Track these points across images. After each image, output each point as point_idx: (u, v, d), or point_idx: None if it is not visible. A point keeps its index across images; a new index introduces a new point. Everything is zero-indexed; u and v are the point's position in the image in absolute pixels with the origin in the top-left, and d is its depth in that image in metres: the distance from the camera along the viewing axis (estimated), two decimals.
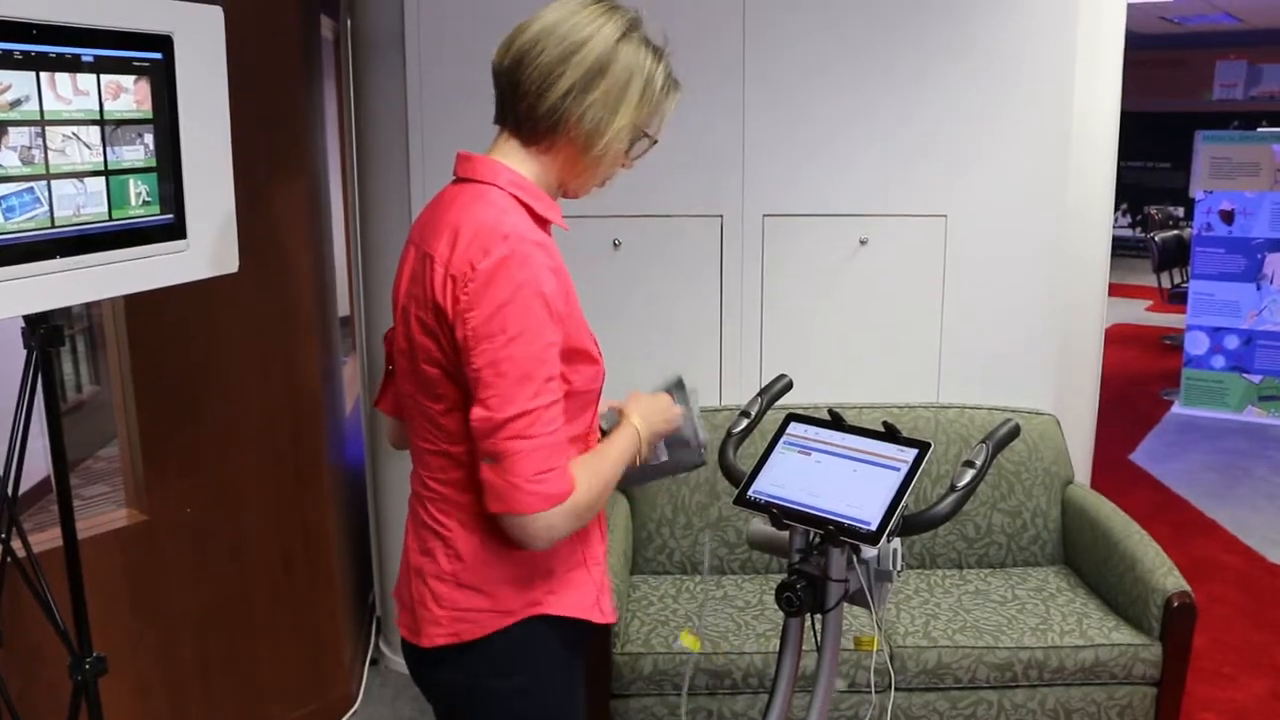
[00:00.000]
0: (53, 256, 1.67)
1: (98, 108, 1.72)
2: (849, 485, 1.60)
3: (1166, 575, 2.52)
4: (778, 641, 1.86)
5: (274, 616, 2.74)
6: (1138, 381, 6.94)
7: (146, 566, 2.43)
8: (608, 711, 2.48)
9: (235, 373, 2.58)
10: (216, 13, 1.94)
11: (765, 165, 2.96)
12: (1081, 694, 2.51)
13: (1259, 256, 6.06)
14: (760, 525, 1.72)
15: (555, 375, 1.32)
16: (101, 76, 1.71)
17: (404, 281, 1.43)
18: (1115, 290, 6.26)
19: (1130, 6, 3.42)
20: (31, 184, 1.63)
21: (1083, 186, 3.18)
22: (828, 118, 2.96)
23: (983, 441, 1.65)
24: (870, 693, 2.43)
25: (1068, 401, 3.23)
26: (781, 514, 1.60)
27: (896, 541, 1.59)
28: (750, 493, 1.65)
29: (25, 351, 1.87)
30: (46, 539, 2.14)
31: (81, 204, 1.71)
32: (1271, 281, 6.04)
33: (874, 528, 1.53)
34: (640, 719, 2.48)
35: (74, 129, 1.68)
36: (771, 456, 1.69)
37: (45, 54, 1.62)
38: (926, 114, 2.96)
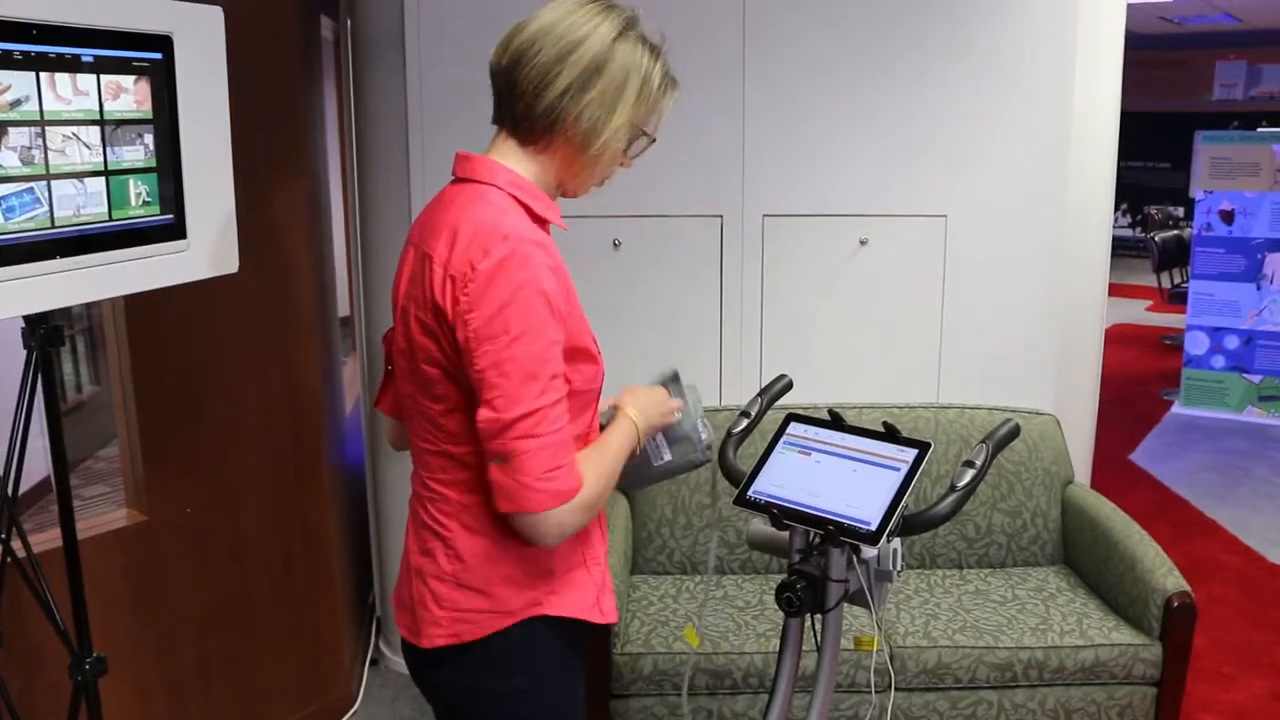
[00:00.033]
0: (53, 257, 1.67)
1: (98, 108, 1.72)
2: (849, 485, 1.60)
3: (1166, 575, 2.52)
4: (778, 641, 1.86)
5: (274, 617, 2.74)
6: (1138, 381, 6.94)
7: (146, 567, 2.43)
8: (608, 711, 2.48)
9: (235, 373, 2.58)
10: (216, 13, 1.94)
11: (765, 165, 2.96)
12: (1081, 694, 2.51)
13: (1259, 256, 6.06)
14: (760, 525, 1.72)
15: (559, 373, 1.33)
16: (101, 77, 1.71)
17: (403, 282, 1.43)
18: (1115, 290, 6.26)
19: (1130, 6, 3.42)
20: (31, 184, 1.63)
21: (1083, 186, 3.18)
22: (828, 118, 2.96)
23: (983, 441, 1.65)
24: (870, 693, 2.43)
25: (1068, 401, 3.23)
26: (781, 514, 1.60)
27: (896, 541, 1.59)
28: (750, 493, 1.65)
29: (25, 351, 1.86)
30: (46, 539, 2.14)
31: (81, 204, 1.71)
32: (1271, 281, 6.04)
33: (874, 528, 1.53)
34: (640, 719, 2.48)
35: (74, 129, 1.68)
36: (771, 456, 1.70)
37: (45, 54, 1.62)
38: (926, 114, 2.96)
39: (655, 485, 2.90)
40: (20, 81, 1.59)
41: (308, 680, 2.86)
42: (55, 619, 1.90)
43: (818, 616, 1.65)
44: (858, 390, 3.07)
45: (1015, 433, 1.69)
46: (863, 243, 3.02)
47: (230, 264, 2.04)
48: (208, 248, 1.97)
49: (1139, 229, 12.00)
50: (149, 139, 1.82)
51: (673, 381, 1.62)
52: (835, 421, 1.70)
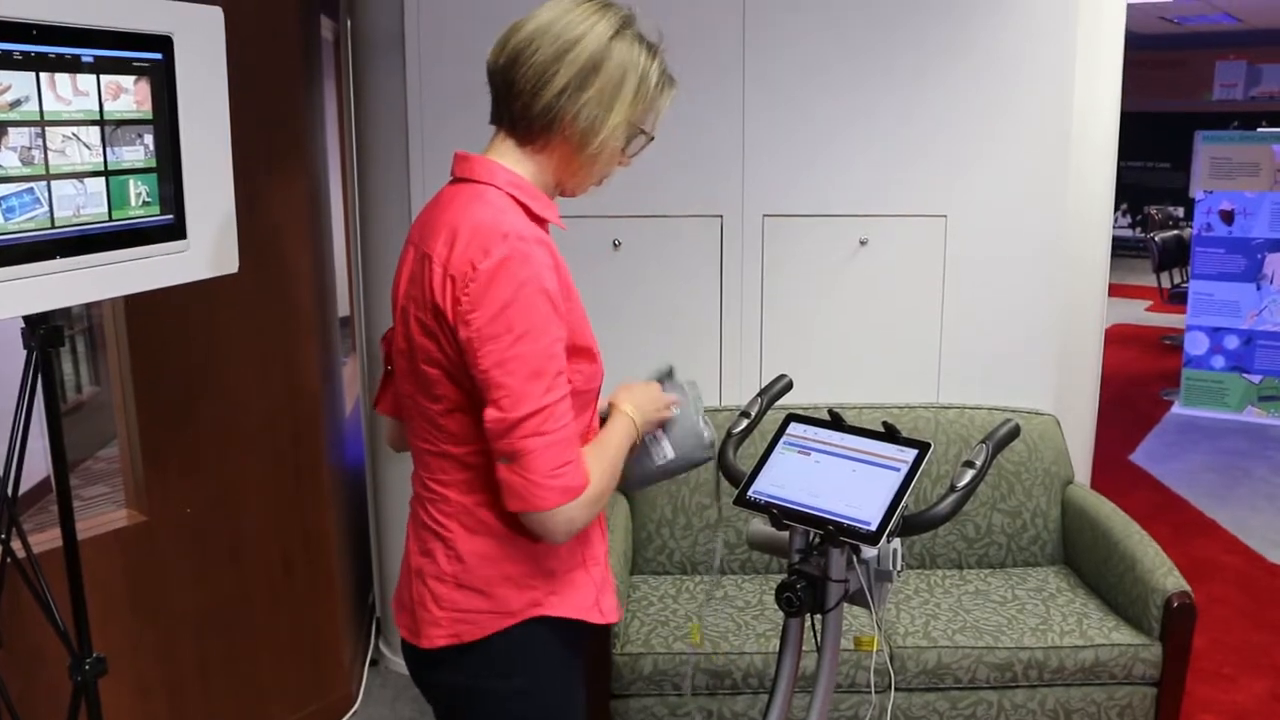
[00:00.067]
0: (53, 257, 1.67)
1: (98, 108, 1.72)
2: (849, 485, 1.60)
3: (1166, 575, 2.52)
4: (778, 641, 1.86)
5: (274, 617, 2.74)
6: (1138, 382, 6.94)
7: (146, 567, 2.43)
8: (608, 711, 2.48)
9: (235, 373, 2.58)
10: (216, 13, 1.94)
11: (765, 165, 2.96)
12: (1081, 694, 2.51)
13: (1259, 257, 6.06)
14: (760, 525, 1.72)
15: (563, 369, 1.33)
16: (101, 77, 1.71)
17: (403, 282, 1.43)
18: (1115, 290, 6.26)
19: (1130, 6, 3.42)
20: (31, 184, 1.63)
21: (1083, 186, 3.18)
22: (828, 118, 2.96)
23: (983, 442, 1.65)
24: (870, 693, 2.43)
25: (1068, 402, 3.23)
26: (781, 514, 1.60)
27: (896, 542, 1.59)
28: (750, 493, 1.65)
29: (25, 352, 1.86)
30: (46, 539, 2.14)
31: (81, 204, 1.71)
32: (1271, 281, 6.04)
33: (874, 528, 1.53)
34: (640, 719, 2.48)
35: (74, 129, 1.68)
36: (771, 457, 1.69)
37: (45, 54, 1.62)
38: (926, 114, 2.96)
39: (656, 485, 2.90)
40: (20, 81, 1.59)
41: (308, 680, 2.86)
42: (55, 619, 1.90)
43: (818, 616, 1.65)
44: (858, 390, 3.07)
45: (1015, 433, 1.69)
46: (863, 243, 3.02)
47: (230, 264, 2.04)
48: (208, 248, 1.97)
49: (1139, 229, 12.00)
50: (149, 139, 1.82)
51: (668, 377, 1.62)
52: (835, 422, 1.69)
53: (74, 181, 1.70)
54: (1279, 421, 6.02)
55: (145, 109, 1.81)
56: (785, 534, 1.67)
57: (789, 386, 1.97)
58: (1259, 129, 6.52)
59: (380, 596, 3.38)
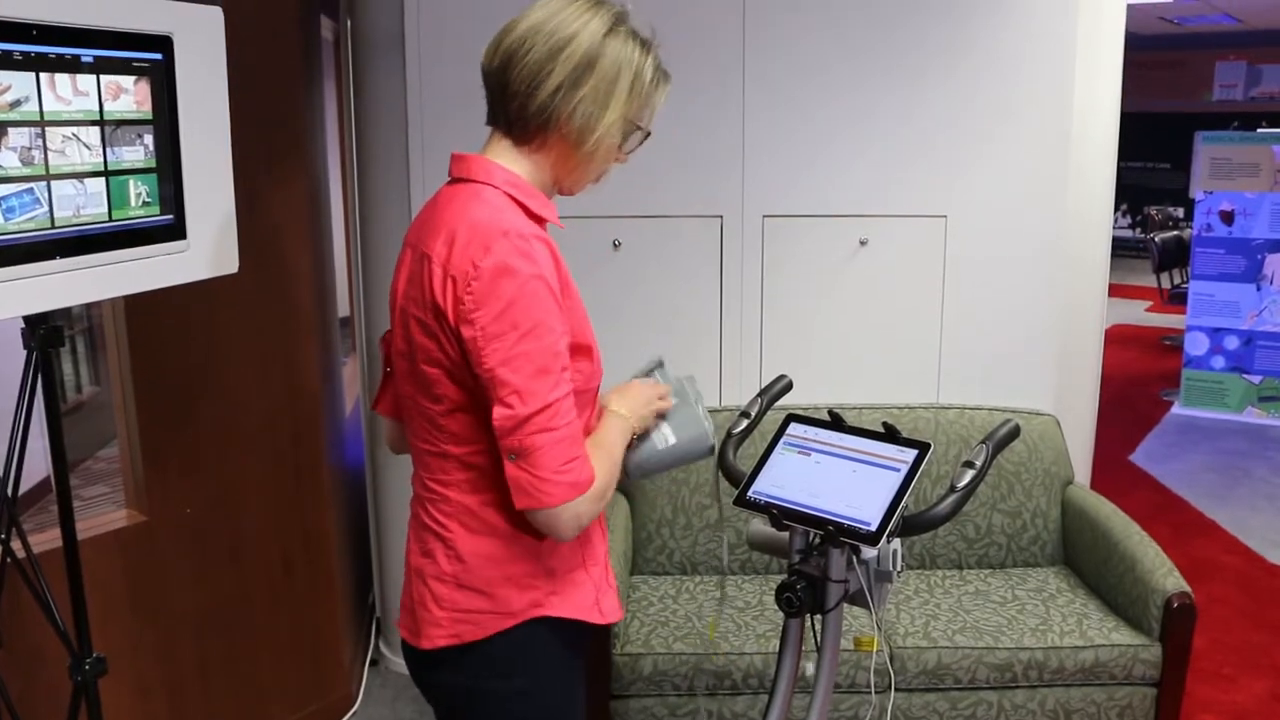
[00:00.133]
0: (53, 257, 1.67)
1: (98, 108, 1.72)
2: (849, 486, 1.60)
3: (1166, 576, 2.52)
4: (778, 642, 1.86)
5: (274, 617, 2.74)
6: (1138, 382, 6.94)
7: (146, 567, 2.43)
8: (608, 712, 2.48)
9: (235, 373, 2.58)
10: (216, 13, 1.94)
11: (765, 165, 2.96)
12: (1081, 695, 2.51)
13: (1259, 257, 6.06)
14: (760, 526, 1.72)
15: (567, 365, 1.34)
16: (101, 77, 1.71)
17: (401, 283, 1.43)
18: (1115, 291, 6.27)
19: (1130, 7, 3.42)
20: (31, 185, 1.63)
21: (1083, 187, 3.18)
22: (828, 118, 2.96)
23: (982, 442, 1.65)
24: (870, 693, 2.43)
25: (1068, 402, 3.23)
26: (781, 514, 1.60)
27: (896, 542, 1.59)
28: (750, 493, 1.65)
29: (25, 352, 1.86)
30: (46, 539, 2.14)
31: (81, 204, 1.71)
32: (1271, 282, 6.04)
33: (874, 528, 1.53)
34: (640, 719, 2.48)
35: (74, 130, 1.68)
36: (771, 457, 1.69)
37: (45, 54, 1.62)
38: (926, 114, 2.96)
39: (655, 486, 2.90)
40: (20, 82, 1.59)
41: (307, 680, 2.86)
42: (55, 619, 1.90)
43: (818, 617, 1.65)
44: (858, 390, 3.07)
45: (1015, 433, 1.69)
46: (863, 243, 3.02)
47: (230, 264, 2.04)
48: (208, 248, 1.97)
49: (1139, 229, 12.00)
50: (149, 139, 1.82)
51: (658, 369, 1.62)
52: (835, 422, 1.69)
53: (74, 182, 1.69)
54: (1279, 422, 6.02)
55: (145, 109, 1.81)
56: (785, 534, 1.67)
57: (789, 387, 1.97)
58: (1259, 129, 6.51)
59: (380, 596, 3.38)
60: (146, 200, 1.83)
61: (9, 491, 1.84)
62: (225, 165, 1.99)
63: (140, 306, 2.32)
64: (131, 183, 1.80)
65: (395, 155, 2.94)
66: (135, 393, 2.38)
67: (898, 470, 1.59)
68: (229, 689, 2.65)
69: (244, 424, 2.61)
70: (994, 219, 3.01)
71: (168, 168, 1.86)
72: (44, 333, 1.85)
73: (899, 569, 1.61)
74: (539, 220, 1.41)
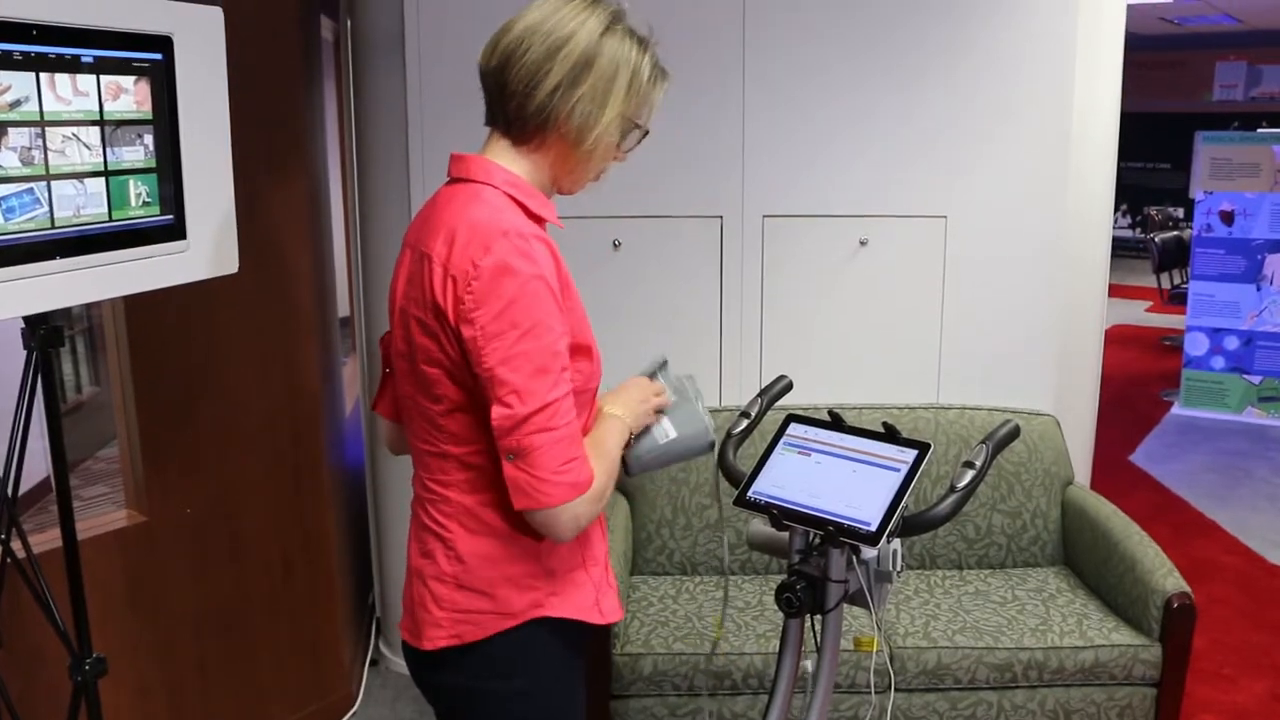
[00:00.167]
0: (53, 257, 1.67)
1: (98, 108, 1.72)
2: (849, 486, 1.60)
3: (1166, 576, 2.52)
4: (778, 642, 1.86)
5: (274, 617, 2.74)
6: (1138, 382, 6.94)
7: (146, 567, 2.43)
8: (607, 712, 2.48)
9: (235, 373, 2.58)
10: (216, 13, 1.94)
11: (765, 165, 2.96)
12: (1081, 695, 2.51)
13: (1259, 257, 6.06)
14: (760, 526, 1.71)
15: (567, 366, 1.34)
16: (101, 77, 1.71)
17: (400, 284, 1.43)
18: (1115, 291, 6.27)
19: (1130, 7, 3.42)
20: (31, 185, 1.63)
21: (1082, 187, 3.18)
22: (828, 118, 2.96)
23: (982, 442, 1.65)
24: (870, 693, 2.43)
25: (1068, 402, 3.23)
26: (781, 515, 1.60)
27: (896, 542, 1.59)
28: (750, 493, 1.65)
29: (25, 352, 1.86)
30: (46, 539, 2.14)
31: (81, 205, 1.71)
32: (1271, 282, 6.04)
33: (874, 528, 1.53)
34: (640, 719, 2.48)
35: (74, 130, 1.68)
36: (771, 457, 1.69)
37: (45, 55, 1.62)
38: (926, 114, 2.96)
39: (654, 486, 2.90)
40: (20, 82, 1.59)
41: (307, 681, 2.86)
42: (55, 619, 1.90)
43: (817, 617, 1.65)
44: (858, 390, 3.06)
45: (1015, 433, 1.69)
46: (863, 243, 3.02)
47: (230, 264, 2.04)
48: (207, 248, 1.97)
49: (1139, 230, 12.00)
50: (149, 139, 1.82)
51: (660, 369, 1.62)
52: (835, 422, 1.69)
53: (74, 182, 1.70)
54: (1279, 422, 6.02)
55: (145, 109, 1.81)
56: (785, 534, 1.67)
57: (789, 387, 1.97)
58: (1259, 130, 6.51)
59: (380, 596, 3.38)
60: (146, 200, 1.83)
61: (9, 491, 1.84)
62: (225, 165, 1.99)
63: (140, 306, 2.32)
64: (131, 183, 1.80)
65: (395, 155, 2.94)
66: (135, 393, 2.38)
67: (898, 470, 1.59)
68: (229, 689, 2.65)
69: (244, 424, 2.61)
70: (994, 219, 3.01)
71: (168, 168, 1.86)
72: (44, 333, 1.85)
73: (899, 569, 1.60)
74: (539, 220, 1.41)
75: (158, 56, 1.81)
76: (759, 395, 1.93)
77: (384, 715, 3.05)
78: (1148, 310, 9.46)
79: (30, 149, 1.61)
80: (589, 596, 1.49)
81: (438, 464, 1.43)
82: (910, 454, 1.60)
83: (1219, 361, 6.18)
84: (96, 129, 1.72)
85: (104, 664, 1.99)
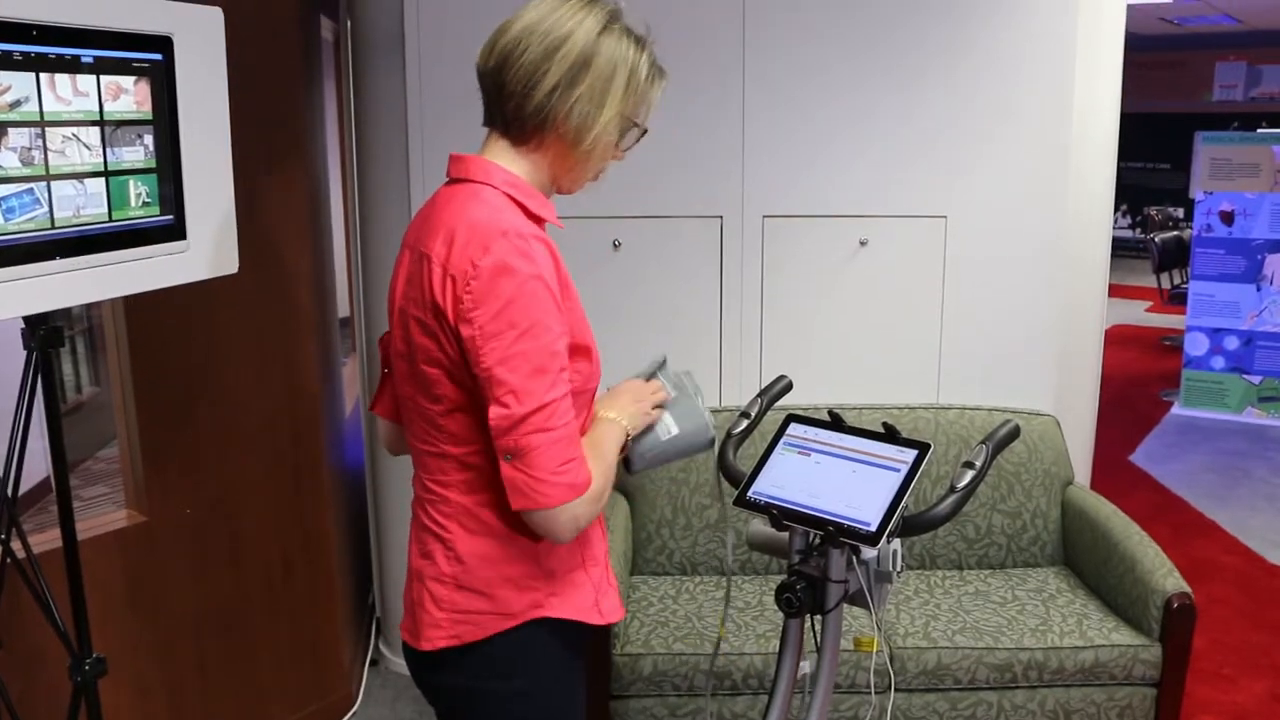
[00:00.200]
0: (53, 257, 1.67)
1: (97, 109, 1.72)
2: (849, 486, 1.60)
3: (1166, 576, 2.52)
4: (778, 642, 1.86)
5: (274, 617, 2.74)
6: (1137, 382, 6.94)
7: (146, 567, 2.43)
8: (607, 712, 2.48)
9: (235, 374, 2.58)
10: (216, 13, 1.94)
11: (765, 166, 2.96)
12: (1081, 695, 2.51)
13: (1259, 258, 6.06)
14: (760, 526, 1.71)
15: (565, 366, 1.33)
16: (101, 77, 1.71)
17: (400, 284, 1.43)
18: (1115, 291, 6.27)
19: (1130, 7, 3.42)
20: (31, 185, 1.63)
21: (1082, 187, 3.18)
22: (828, 118, 2.96)
23: (982, 442, 1.65)
24: (870, 693, 2.43)
25: (1068, 402, 3.23)
26: (781, 515, 1.60)
27: (896, 542, 1.59)
28: (750, 494, 1.65)
29: (25, 352, 1.86)
30: (46, 540, 2.14)
31: (81, 205, 1.71)
32: (1271, 282, 6.04)
33: (874, 529, 1.53)
34: (640, 719, 2.48)
35: (74, 130, 1.68)
36: (771, 457, 1.69)
37: (45, 55, 1.62)
38: (926, 114, 2.96)
39: (655, 487, 2.90)
40: (20, 82, 1.59)
41: (307, 681, 2.86)
42: (55, 620, 1.90)
43: (817, 617, 1.65)
44: (858, 391, 3.06)
45: (1015, 434, 1.69)
46: (863, 243, 3.02)
47: (230, 264, 2.04)
48: (207, 248, 1.97)
49: (1139, 230, 12.00)
50: (149, 140, 1.82)
51: (660, 367, 1.62)
52: (835, 422, 1.69)
53: (74, 182, 1.70)
54: (1279, 422, 6.02)
55: (145, 109, 1.81)
56: (785, 535, 1.67)
57: (789, 387, 1.97)
58: (1259, 130, 6.52)
59: (380, 596, 3.38)
60: (146, 200, 1.83)
61: (9, 491, 1.84)
62: (225, 165, 1.99)
63: (140, 306, 2.32)
64: (131, 183, 1.80)
65: (395, 155, 2.94)
66: (135, 393, 2.38)
67: (898, 470, 1.59)
68: (229, 689, 2.65)
69: (244, 424, 2.61)
70: (994, 219, 3.01)
71: (168, 168, 1.86)
72: (44, 333, 1.85)
73: (899, 569, 1.60)
74: (538, 220, 1.41)
75: (158, 57, 1.81)
76: (759, 395, 1.93)
77: (384, 715, 3.05)
78: (1148, 310, 9.46)
79: (30, 149, 1.61)
80: (588, 597, 1.48)
81: (437, 464, 1.43)
82: (910, 454, 1.60)
83: (1219, 361, 6.18)
84: (96, 129, 1.72)
85: (104, 664, 1.99)
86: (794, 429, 1.72)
